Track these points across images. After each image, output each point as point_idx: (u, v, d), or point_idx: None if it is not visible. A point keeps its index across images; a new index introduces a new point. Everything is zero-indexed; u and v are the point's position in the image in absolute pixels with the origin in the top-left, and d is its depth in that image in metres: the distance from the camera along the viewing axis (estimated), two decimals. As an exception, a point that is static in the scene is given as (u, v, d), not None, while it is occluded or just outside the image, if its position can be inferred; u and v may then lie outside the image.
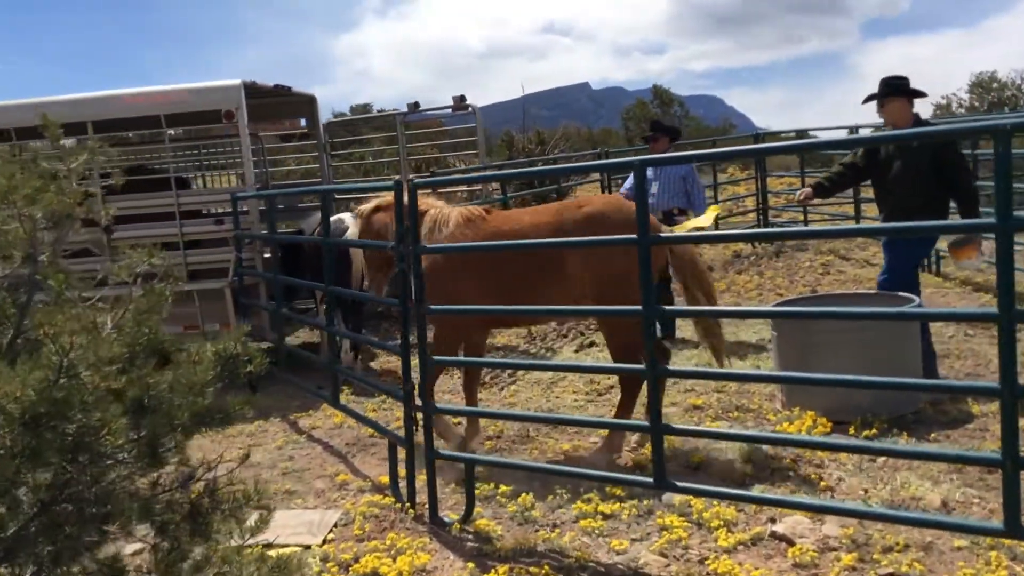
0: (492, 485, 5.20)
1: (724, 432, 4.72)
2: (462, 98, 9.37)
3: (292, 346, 8.35)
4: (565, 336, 9.44)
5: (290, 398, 7.95)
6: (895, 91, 6.39)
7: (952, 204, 6.34)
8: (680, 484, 4.15)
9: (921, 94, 6.46)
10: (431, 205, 5.79)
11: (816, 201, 14.66)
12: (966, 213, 6.20)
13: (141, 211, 8.63)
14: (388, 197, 5.74)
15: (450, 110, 9.66)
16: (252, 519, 2.96)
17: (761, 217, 14.61)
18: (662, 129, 8.96)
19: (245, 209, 8.32)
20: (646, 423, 4.14)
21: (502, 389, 7.64)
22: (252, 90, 9.05)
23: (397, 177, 4.94)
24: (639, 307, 3.99)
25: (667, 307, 5.80)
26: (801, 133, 18.34)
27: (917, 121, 6.54)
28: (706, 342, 5.82)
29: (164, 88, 8.55)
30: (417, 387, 4.91)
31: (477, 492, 5.15)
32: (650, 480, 4.15)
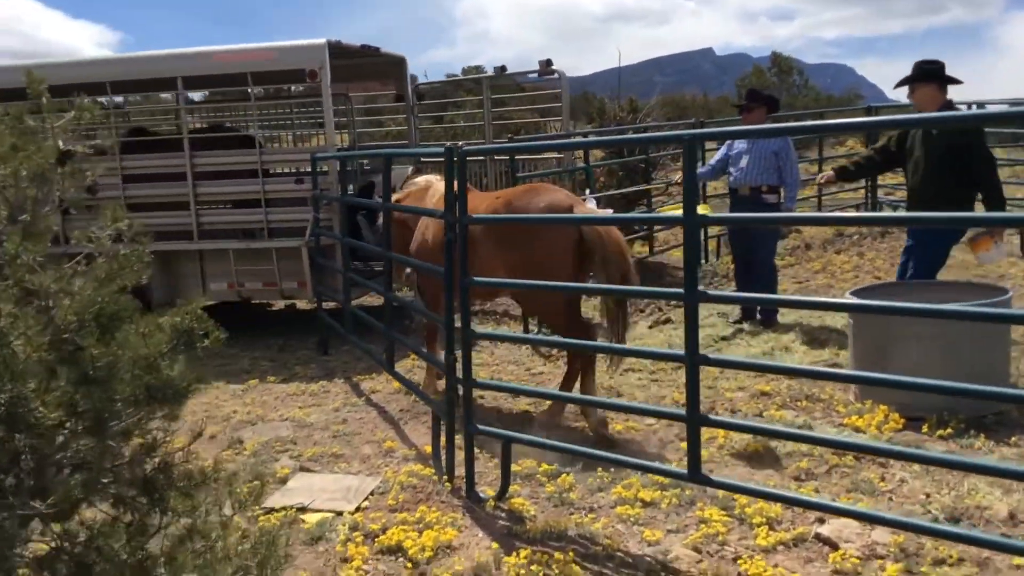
0: (535, 462, 5.08)
1: (764, 428, 4.44)
2: (548, 62, 9.15)
3: (360, 308, 8.35)
4: (642, 311, 9.21)
5: (357, 360, 8.00)
6: (926, 76, 6.14)
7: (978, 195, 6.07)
8: (714, 478, 3.93)
9: (955, 81, 6.16)
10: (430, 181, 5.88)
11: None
12: (990, 205, 5.90)
13: (223, 167, 8.76)
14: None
15: (537, 74, 9.47)
16: (244, 491, 2.88)
17: (869, 195, 13.93)
18: (759, 99, 8.29)
19: (325, 169, 8.35)
20: (683, 412, 3.92)
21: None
22: (339, 50, 9.04)
23: (450, 144, 4.80)
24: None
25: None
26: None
27: (947, 107, 6.23)
28: (608, 327, 5.78)
29: (251, 46, 8.63)
30: (460, 359, 4.81)
31: (519, 469, 5.06)
32: (684, 472, 3.94)
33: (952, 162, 5.99)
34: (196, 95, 11.29)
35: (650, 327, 8.55)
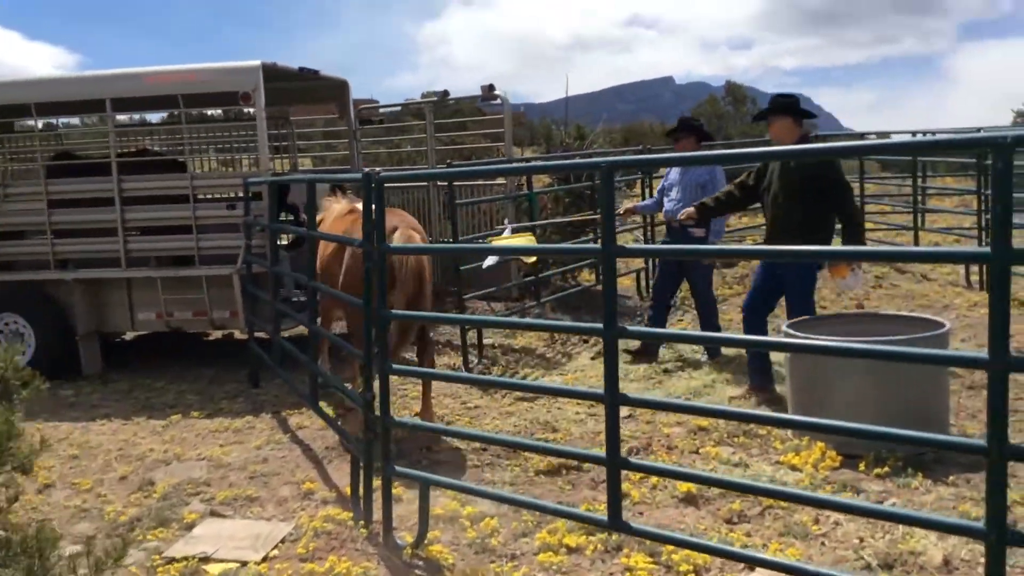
0: (458, 504, 4.83)
1: (686, 473, 4.22)
2: (491, 87, 8.97)
3: (293, 340, 8.04)
4: (586, 342, 9.01)
5: (288, 394, 7.68)
6: (781, 109, 6.30)
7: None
8: (635, 526, 3.71)
9: (808, 115, 6.46)
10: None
11: (872, 209, 14.12)
12: (847, 233, 6.09)
13: (153, 192, 8.45)
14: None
15: (480, 99, 9.30)
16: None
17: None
18: (688, 128, 7.92)
19: (257, 193, 8.07)
20: (603, 455, 3.70)
21: (505, 395, 7.25)
22: (275, 73, 8.79)
23: (368, 169, 4.57)
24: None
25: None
26: (882, 135, 17.62)
27: (804, 139, 6.44)
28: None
29: (183, 67, 8.35)
30: (378, 397, 4.56)
31: (441, 511, 4.81)
32: (604, 518, 3.72)
33: (808, 193, 6.09)
34: (127, 118, 10.97)
35: (592, 358, 8.35)
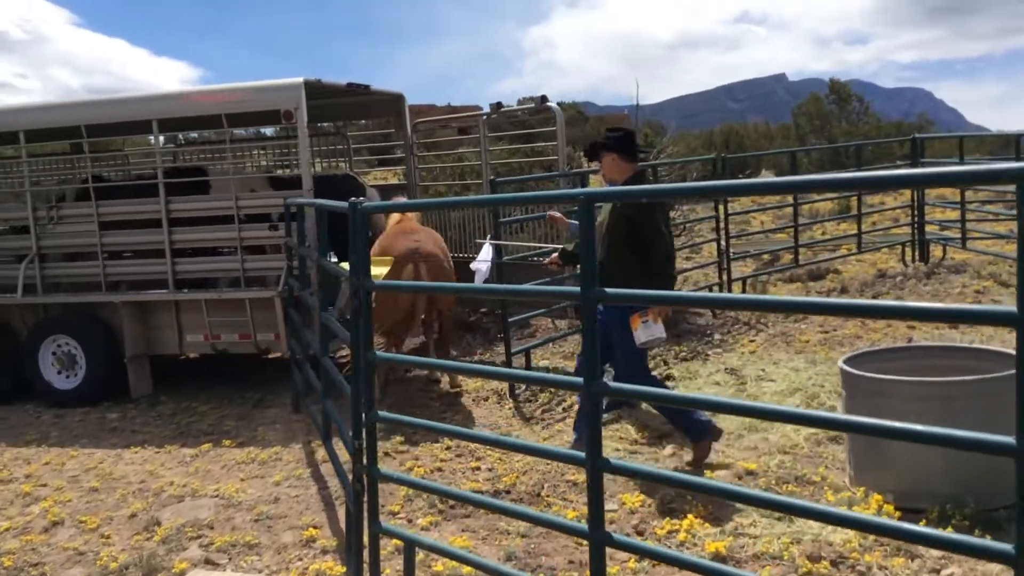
0: (456, 564, 4.42)
1: (676, 557, 3.63)
2: (543, 98, 8.55)
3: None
4: (645, 365, 8.47)
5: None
6: (606, 146, 5.79)
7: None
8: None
9: (642, 149, 6.19)
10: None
11: (973, 217, 13.05)
12: (647, 282, 5.07)
13: (197, 213, 8.35)
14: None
15: (533, 110, 8.88)
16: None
17: (917, 231, 12.96)
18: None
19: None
20: (584, 527, 3.23)
21: (546, 427, 6.81)
22: (320, 89, 8.59)
23: (353, 199, 4.21)
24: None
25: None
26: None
27: (637, 177, 5.88)
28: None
29: (227, 86, 8.23)
30: (365, 446, 4.19)
31: (440, 568, 4.41)
32: (587, 602, 3.24)
33: (625, 235, 5.60)
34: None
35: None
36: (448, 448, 6.26)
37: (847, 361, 5.31)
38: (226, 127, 8.19)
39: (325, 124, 10.63)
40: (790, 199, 13.20)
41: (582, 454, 3.23)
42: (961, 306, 2.35)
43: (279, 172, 10.11)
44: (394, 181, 10.74)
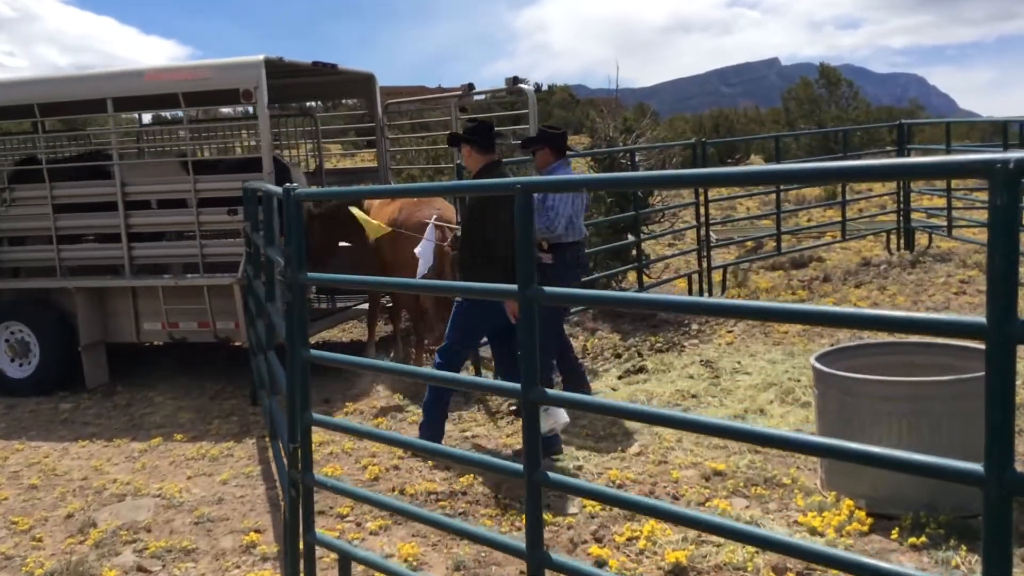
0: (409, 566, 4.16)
1: None
2: (515, 79, 8.23)
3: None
4: (619, 356, 8.21)
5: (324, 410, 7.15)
6: (461, 139, 6.04)
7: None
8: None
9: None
10: None
11: (960, 205, 12.80)
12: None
13: (152, 196, 8.03)
14: None
15: (505, 92, 8.57)
16: None
17: (902, 219, 12.71)
18: (542, 138, 6.35)
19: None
20: (522, 545, 2.97)
21: (511, 422, 6.54)
22: (287, 68, 8.26)
23: (288, 184, 3.91)
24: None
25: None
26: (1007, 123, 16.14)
27: (488, 167, 5.83)
28: None
29: (184, 64, 7.92)
30: (299, 450, 3.91)
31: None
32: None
33: (474, 229, 5.74)
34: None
35: (620, 377, 7.55)
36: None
37: (821, 358, 5.05)
38: (183, 107, 7.85)
39: (292, 105, 10.27)
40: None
41: (519, 466, 2.97)
42: (926, 316, 2.08)
43: (202, 156, 9.64)
44: (367, 164, 10.39)
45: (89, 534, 4.96)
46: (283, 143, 10.14)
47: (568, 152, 6.52)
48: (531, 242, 2.90)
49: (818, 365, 4.90)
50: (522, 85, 8.23)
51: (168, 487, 5.63)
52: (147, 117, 10.65)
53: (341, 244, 7.92)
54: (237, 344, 9.15)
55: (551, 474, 2.96)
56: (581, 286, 6.75)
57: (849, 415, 4.66)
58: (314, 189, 4.24)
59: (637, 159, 9.91)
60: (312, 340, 8.56)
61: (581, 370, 6.91)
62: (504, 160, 6.54)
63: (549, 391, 2.94)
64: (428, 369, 4.46)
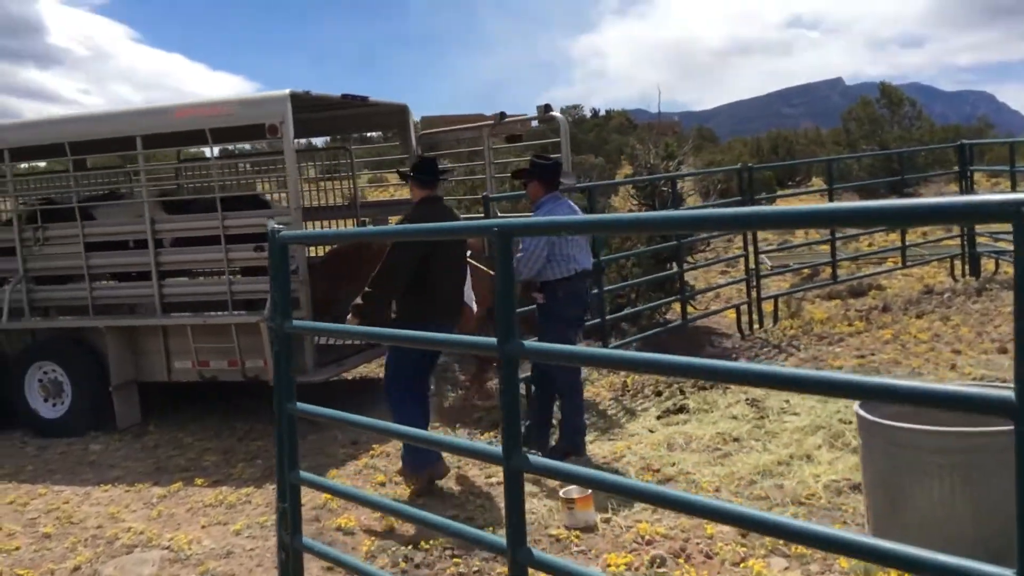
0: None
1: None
2: (547, 107, 7.97)
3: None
4: (659, 394, 7.83)
5: (315, 454, 6.93)
6: (406, 176, 6.18)
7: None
8: None
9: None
10: None
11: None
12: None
13: (186, 233, 7.93)
14: None
15: (535, 121, 8.32)
16: None
17: (967, 245, 12.09)
18: (533, 170, 6.24)
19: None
20: (503, 543, 2.66)
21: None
22: (315, 102, 8.14)
23: (274, 225, 3.68)
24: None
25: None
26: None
27: (423, 202, 5.92)
28: None
29: (212, 100, 7.79)
30: (288, 510, 3.66)
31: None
32: None
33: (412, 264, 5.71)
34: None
35: (659, 417, 7.18)
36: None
37: (864, 406, 4.63)
38: (210, 143, 7.75)
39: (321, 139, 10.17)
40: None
41: (502, 541, 2.67)
42: (947, 387, 1.74)
43: (188, 196, 9.52)
44: (403, 197, 10.22)
45: (91, 590, 4.77)
46: (318, 177, 10.03)
47: (561, 185, 6.35)
48: (511, 292, 2.61)
49: (862, 412, 4.49)
50: (553, 113, 7.97)
51: (179, 538, 5.42)
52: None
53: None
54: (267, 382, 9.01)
55: (536, 552, 2.65)
56: (580, 323, 6.49)
57: (896, 467, 4.24)
58: (298, 232, 4.01)
59: (679, 186, 9.54)
60: (349, 376, 8.37)
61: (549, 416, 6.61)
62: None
63: (532, 457, 2.63)
64: (407, 428, 4.17)
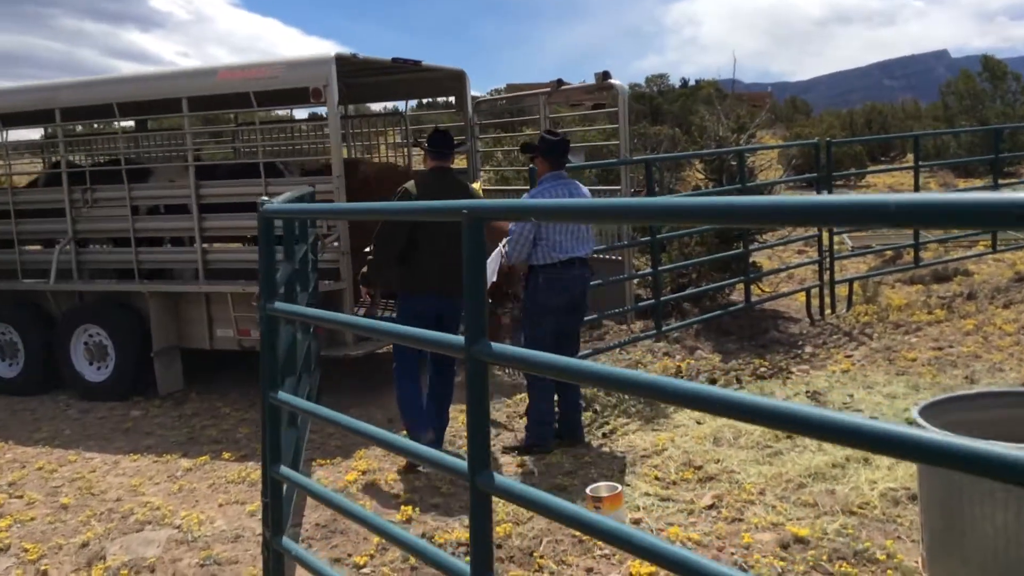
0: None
1: None
2: (605, 74, 7.48)
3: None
4: (713, 382, 7.36)
5: (346, 434, 6.70)
6: (421, 145, 6.34)
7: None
8: None
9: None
10: None
11: None
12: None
13: (229, 199, 7.74)
14: None
15: (594, 88, 7.84)
16: None
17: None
18: (539, 146, 6.06)
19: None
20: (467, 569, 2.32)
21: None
22: (366, 65, 7.84)
23: (266, 198, 3.37)
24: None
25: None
26: None
27: (431, 171, 5.96)
28: None
29: (257, 62, 7.54)
30: (271, 506, 3.38)
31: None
32: None
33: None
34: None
35: (710, 408, 6.72)
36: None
37: (928, 409, 4.13)
38: (255, 107, 7.51)
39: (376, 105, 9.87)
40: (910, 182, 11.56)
41: (464, 568, 2.33)
42: (957, 443, 1.32)
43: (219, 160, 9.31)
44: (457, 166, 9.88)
45: (93, 569, 4.61)
46: (372, 144, 9.76)
47: (568, 163, 6.10)
48: (481, 286, 2.24)
49: (921, 420, 3.99)
50: (612, 81, 7.49)
51: (193, 516, 5.24)
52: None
53: None
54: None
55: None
56: (570, 313, 6.06)
57: (955, 487, 3.75)
58: (284, 205, 3.71)
59: (749, 160, 8.97)
60: (381, 350, 8.09)
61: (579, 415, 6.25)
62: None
63: (498, 477, 2.27)
64: (373, 429, 3.86)
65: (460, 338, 2.27)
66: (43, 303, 8.65)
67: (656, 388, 1.76)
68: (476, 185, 7.36)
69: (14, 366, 8.65)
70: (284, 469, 3.29)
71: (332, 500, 3.07)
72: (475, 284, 2.21)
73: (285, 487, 3.46)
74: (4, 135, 8.69)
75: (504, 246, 6.00)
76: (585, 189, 6.19)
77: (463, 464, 2.31)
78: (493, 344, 2.19)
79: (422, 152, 6.09)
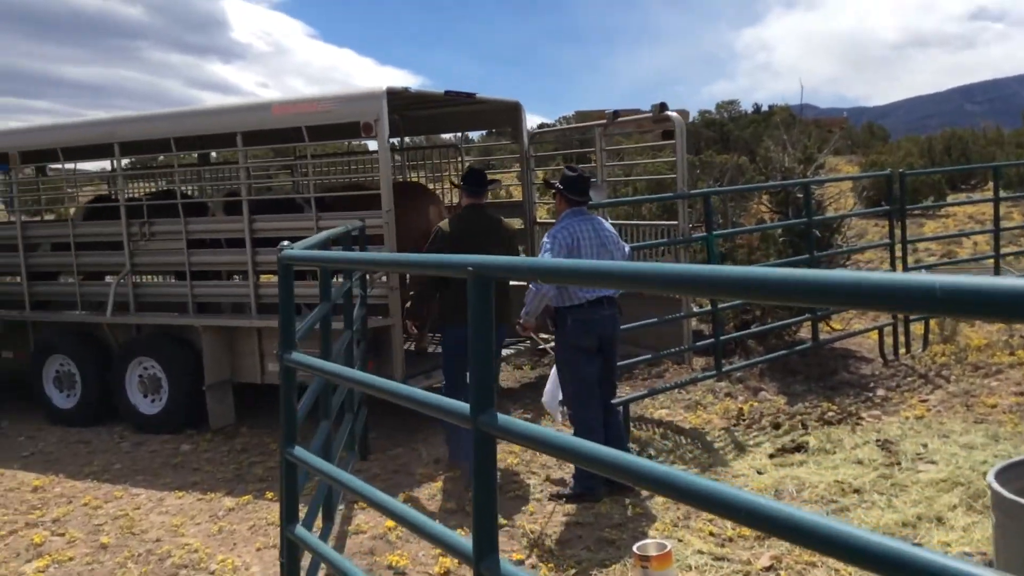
0: None
1: None
2: (663, 106, 7.24)
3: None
4: (777, 427, 6.99)
5: (392, 473, 6.54)
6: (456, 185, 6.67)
7: None
8: None
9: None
10: None
11: None
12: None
13: (279, 234, 7.68)
14: None
15: (651, 120, 7.60)
16: None
17: None
18: (560, 182, 5.88)
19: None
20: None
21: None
22: (419, 99, 7.75)
23: (284, 243, 3.22)
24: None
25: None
26: None
27: (464, 208, 6.36)
28: None
29: (309, 97, 7.49)
30: (286, 567, 3.21)
31: None
32: None
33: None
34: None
35: (771, 455, 6.37)
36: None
37: (1002, 473, 3.77)
38: (307, 141, 7.46)
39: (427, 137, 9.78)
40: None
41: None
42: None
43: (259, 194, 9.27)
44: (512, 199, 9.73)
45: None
46: (428, 176, 9.66)
47: (590, 201, 5.88)
48: (488, 351, 2.04)
49: (996, 485, 3.64)
50: (669, 112, 7.25)
51: (229, 561, 5.11)
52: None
53: None
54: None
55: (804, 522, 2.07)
56: (605, 354, 5.82)
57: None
58: (302, 252, 3.54)
59: (815, 192, 8.60)
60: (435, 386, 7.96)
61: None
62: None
63: (503, 563, 2.04)
64: (406, 508, 3.64)
65: (465, 405, 2.06)
66: (100, 335, 8.71)
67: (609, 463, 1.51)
68: (513, 221, 7.34)
69: (71, 397, 8.72)
70: (299, 530, 3.11)
71: (342, 567, 2.87)
72: (482, 347, 2.00)
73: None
74: (66, 168, 8.82)
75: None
76: (608, 224, 5.96)
77: (467, 544, 2.09)
78: (500, 416, 1.97)
79: (460, 192, 6.39)
